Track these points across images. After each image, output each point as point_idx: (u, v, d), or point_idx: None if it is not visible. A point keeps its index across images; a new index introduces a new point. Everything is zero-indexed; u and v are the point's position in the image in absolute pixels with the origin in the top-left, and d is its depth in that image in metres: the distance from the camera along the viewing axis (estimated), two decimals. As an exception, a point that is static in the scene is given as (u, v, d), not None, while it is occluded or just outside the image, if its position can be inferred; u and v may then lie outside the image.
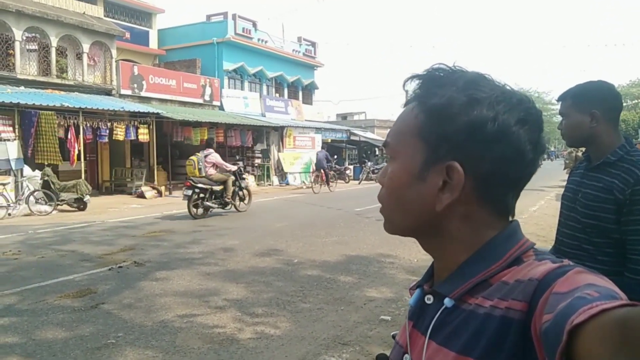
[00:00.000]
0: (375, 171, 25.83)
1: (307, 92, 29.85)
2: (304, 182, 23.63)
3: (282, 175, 23.48)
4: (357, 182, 24.89)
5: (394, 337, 0.87)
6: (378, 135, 36.73)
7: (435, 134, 0.73)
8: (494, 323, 0.65)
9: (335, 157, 27.91)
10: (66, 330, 4.47)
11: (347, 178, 25.21)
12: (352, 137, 29.84)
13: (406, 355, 0.79)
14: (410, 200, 0.75)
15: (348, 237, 9.12)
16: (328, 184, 19.82)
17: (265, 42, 26.20)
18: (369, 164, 27.12)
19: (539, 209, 13.18)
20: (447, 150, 0.72)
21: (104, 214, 13.01)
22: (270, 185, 22.56)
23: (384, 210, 0.79)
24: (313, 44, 29.88)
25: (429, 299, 0.78)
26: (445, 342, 0.69)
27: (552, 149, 79.55)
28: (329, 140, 28.21)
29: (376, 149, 32.89)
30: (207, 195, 11.84)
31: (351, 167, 27.83)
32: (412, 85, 0.80)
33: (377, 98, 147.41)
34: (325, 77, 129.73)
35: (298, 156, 24.35)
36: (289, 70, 27.79)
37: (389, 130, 0.85)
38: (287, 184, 23.01)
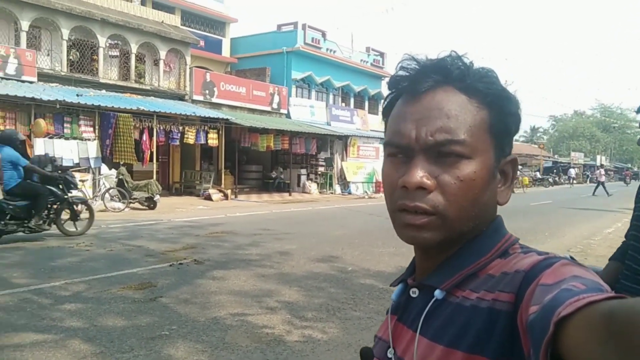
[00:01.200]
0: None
1: (373, 102, 29.80)
2: (366, 192, 23.56)
3: (345, 184, 23.52)
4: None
5: (375, 337, 0.86)
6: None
7: (504, 129, 0.73)
8: (481, 315, 0.64)
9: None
10: (125, 319, 4.70)
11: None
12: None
13: (390, 349, 0.77)
14: (486, 200, 0.72)
15: (405, 248, 8.91)
16: None
17: (334, 52, 26.46)
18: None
19: (614, 231, 12.40)
20: (507, 145, 0.75)
21: (172, 213, 13.57)
22: (332, 193, 22.66)
23: (447, 215, 0.69)
24: (381, 54, 29.85)
25: (414, 292, 0.77)
26: (435, 336, 0.69)
27: (636, 169, 74.39)
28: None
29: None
30: None
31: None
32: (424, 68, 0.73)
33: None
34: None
35: (361, 166, 24.32)
36: (356, 80, 27.89)
37: (420, 120, 0.71)
38: (350, 193, 23.02)
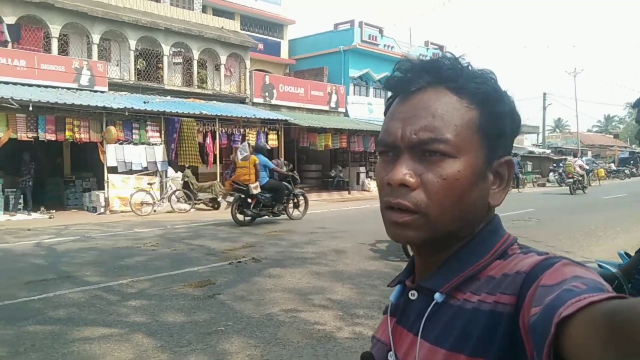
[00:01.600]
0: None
1: (434, 97, 29.30)
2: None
3: (405, 181, 23.29)
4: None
5: (373, 338, 0.85)
6: (517, 143, 34.83)
7: (497, 129, 0.73)
8: (483, 318, 0.64)
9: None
10: (185, 315, 4.95)
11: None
12: (482, 144, 28.65)
13: (390, 352, 0.76)
14: (473, 200, 0.71)
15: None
16: (517, 187, 22.78)
17: (392, 47, 26.24)
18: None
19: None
20: (501, 146, 0.74)
21: (234, 213, 13.98)
22: (392, 190, 22.49)
23: (429, 214, 0.70)
24: (441, 48, 29.26)
25: (413, 295, 0.77)
26: (437, 340, 0.68)
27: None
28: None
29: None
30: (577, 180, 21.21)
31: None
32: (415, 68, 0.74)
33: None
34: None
35: (422, 162, 24.01)
36: (416, 75, 27.54)
37: (415, 119, 0.71)
38: (410, 190, 22.76)
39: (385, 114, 0.80)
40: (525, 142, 40.86)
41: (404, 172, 0.70)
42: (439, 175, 0.69)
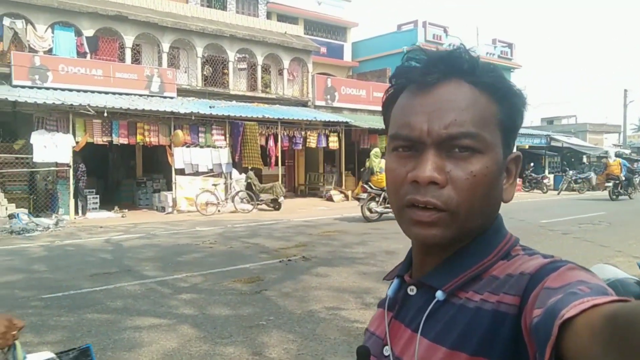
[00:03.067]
0: (578, 181, 23.29)
1: (502, 96, 28.39)
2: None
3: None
4: (556, 192, 22.75)
5: (367, 331, 0.84)
6: (590, 142, 32.99)
7: (512, 125, 0.72)
8: (486, 317, 0.63)
9: (532, 164, 25.88)
10: (230, 309, 5.17)
11: (544, 187, 23.24)
12: (553, 143, 27.39)
13: (386, 347, 0.75)
14: (495, 196, 0.71)
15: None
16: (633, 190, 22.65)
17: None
18: (571, 172, 24.55)
19: None
20: (513, 141, 0.74)
21: (293, 213, 14.27)
22: (457, 192, 22.01)
23: (459, 212, 0.67)
24: (509, 45, 28.34)
25: (412, 290, 0.75)
26: (437, 338, 0.67)
27: None
28: (527, 147, 26.30)
29: (583, 157, 29.67)
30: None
31: (551, 175, 25.56)
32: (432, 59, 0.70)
33: (584, 100, 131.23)
34: (525, 79, 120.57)
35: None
36: (482, 74, 26.80)
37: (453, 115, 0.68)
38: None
39: (385, 105, 0.76)
40: (605, 142, 38.51)
41: (432, 168, 0.67)
42: (469, 171, 0.67)
